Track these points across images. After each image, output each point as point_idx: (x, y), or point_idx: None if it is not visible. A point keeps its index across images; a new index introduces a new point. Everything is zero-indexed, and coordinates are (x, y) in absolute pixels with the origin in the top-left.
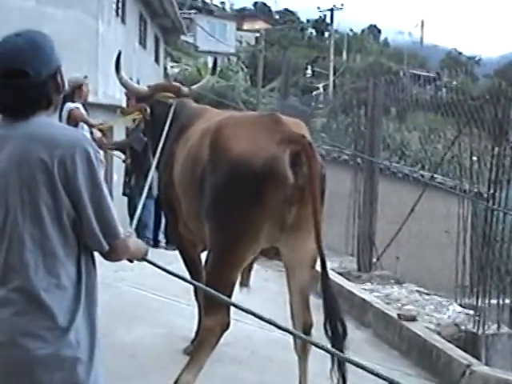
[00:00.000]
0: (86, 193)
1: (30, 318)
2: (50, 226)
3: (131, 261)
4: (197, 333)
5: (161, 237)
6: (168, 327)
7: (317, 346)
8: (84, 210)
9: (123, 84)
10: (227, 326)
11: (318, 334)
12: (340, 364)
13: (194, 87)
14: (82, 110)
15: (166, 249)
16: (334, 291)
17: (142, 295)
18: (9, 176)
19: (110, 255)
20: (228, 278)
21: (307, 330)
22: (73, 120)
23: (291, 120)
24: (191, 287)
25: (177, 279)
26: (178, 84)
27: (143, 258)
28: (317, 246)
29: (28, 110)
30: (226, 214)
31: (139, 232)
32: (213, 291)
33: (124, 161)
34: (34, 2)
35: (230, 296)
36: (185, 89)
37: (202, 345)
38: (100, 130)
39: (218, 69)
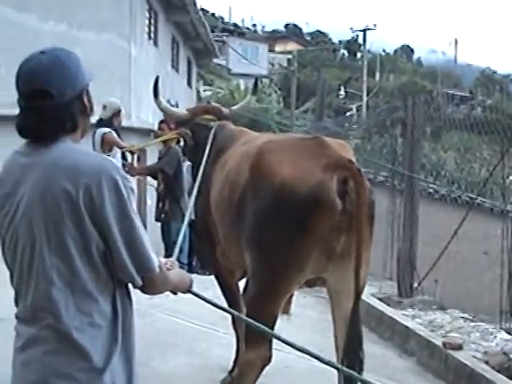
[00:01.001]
0: (115, 224)
1: (62, 358)
2: (78, 260)
3: (175, 293)
4: (235, 363)
5: (195, 262)
6: (204, 357)
7: (362, 380)
8: (114, 243)
9: (163, 109)
10: (269, 359)
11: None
12: None
13: (234, 108)
14: (114, 135)
15: (199, 273)
16: (360, 326)
17: (177, 323)
18: (33, 208)
19: (148, 289)
20: (270, 309)
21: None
22: (106, 144)
23: (336, 142)
24: (228, 315)
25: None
26: (218, 105)
27: (188, 290)
28: (355, 274)
29: (52, 134)
30: (269, 243)
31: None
32: (256, 323)
33: (157, 189)
34: (65, 25)
35: (272, 328)
36: (225, 110)
37: (242, 379)
38: (130, 152)
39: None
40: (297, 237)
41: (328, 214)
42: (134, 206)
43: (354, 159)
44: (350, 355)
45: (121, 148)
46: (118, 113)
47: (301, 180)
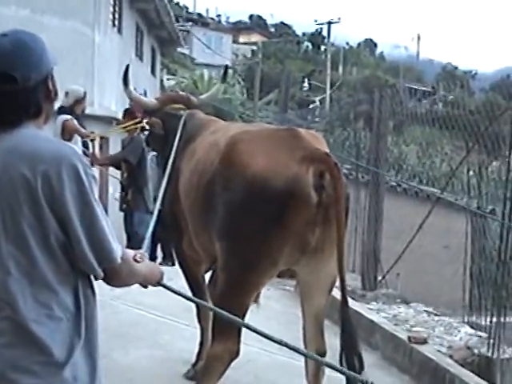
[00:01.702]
0: (75, 213)
1: (20, 351)
2: (37, 250)
3: (145, 286)
4: (198, 356)
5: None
6: (167, 349)
7: (333, 368)
8: (74, 233)
9: (132, 98)
10: (237, 353)
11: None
12: None
13: (202, 97)
14: (75, 122)
15: (161, 264)
16: (353, 321)
17: (140, 314)
18: None
19: (112, 281)
20: (241, 302)
21: (321, 356)
22: (67, 132)
23: (310, 134)
24: (191, 306)
25: (176, 298)
26: (187, 94)
27: (158, 283)
28: (339, 270)
29: (15, 120)
30: (241, 236)
31: (136, 247)
32: (229, 314)
33: (121, 182)
34: (28, 11)
35: (239, 326)
36: (194, 99)
37: (209, 373)
38: (91, 140)
39: (214, 82)
40: (270, 230)
41: (303, 208)
42: (95, 194)
43: (327, 150)
44: (349, 352)
45: (82, 136)
46: (80, 100)
47: (275, 172)
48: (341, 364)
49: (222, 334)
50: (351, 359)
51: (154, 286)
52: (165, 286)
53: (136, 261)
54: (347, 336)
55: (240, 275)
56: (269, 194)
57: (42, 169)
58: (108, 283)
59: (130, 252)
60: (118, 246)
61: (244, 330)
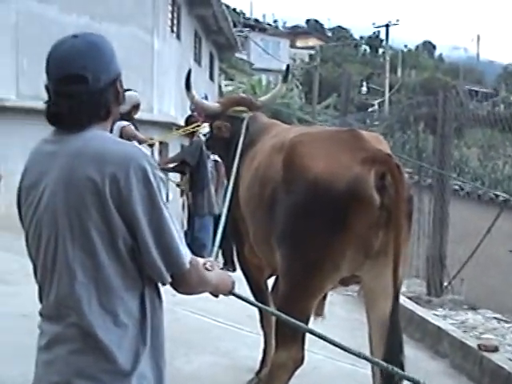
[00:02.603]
0: (143, 216)
1: (86, 358)
2: (104, 254)
3: (216, 295)
4: (261, 363)
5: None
6: (230, 357)
7: (406, 377)
8: (142, 237)
9: (195, 102)
10: (301, 361)
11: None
12: None
13: (262, 99)
14: (133, 128)
15: (222, 269)
16: (401, 329)
17: (202, 321)
18: (57, 198)
19: (181, 288)
20: (302, 309)
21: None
22: (125, 137)
23: (372, 135)
24: (254, 313)
25: (238, 304)
26: (249, 96)
27: (230, 292)
28: (393, 272)
29: (84, 121)
30: (303, 240)
31: (196, 253)
32: (292, 319)
33: (178, 185)
34: (88, 18)
35: (302, 332)
36: (256, 101)
37: (273, 381)
38: (149, 146)
39: (271, 86)
40: (332, 233)
41: (366, 210)
42: (163, 196)
43: (389, 151)
44: (391, 358)
45: (140, 142)
46: (136, 106)
47: (337, 174)
48: (380, 371)
49: (286, 341)
50: (392, 364)
51: (226, 295)
52: (237, 296)
53: (207, 269)
54: (391, 342)
55: (301, 281)
56: (331, 196)
57: (110, 171)
58: (176, 290)
59: (200, 260)
60: (186, 251)
61: (308, 336)
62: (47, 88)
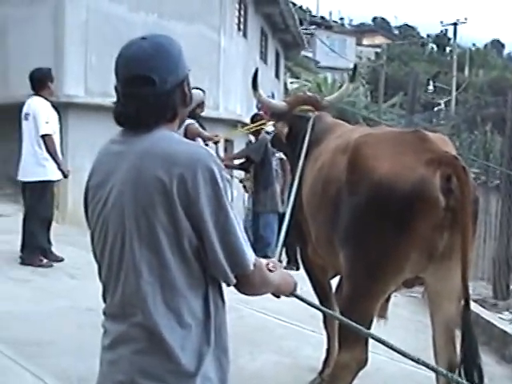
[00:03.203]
0: (210, 218)
1: (151, 358)
2: (169, 253)
3: (278, 296)
4: (324, 363)
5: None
6: (293, 356)
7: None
8: (208, 238)
9: (262, 101)
10: (365, 362)
11: None
12: None
13: (330, 98)
14: (197, 125)
15: (286, 268)
16: (475, 332)
17: (265, 319)
18: (124, 197)
19: (245, 288)
20: (366, 311)
21: (453, 369)
22: (190, 135)
23: (438, 136)
24: (317, 313)
25: (301, 303)
26: (315, 95)
27: (292, 294)
28: (462, 276)
29: (151, 123)
30: (366, 241)
31: (260, 251)
32: (353, 323)
33: (241, 181)
34: (156, 16)
35: (365, 333)
36: (323, 100)
37: (336, 382)
38: (214, 143)
39: (337, 84)
40: (397, 235)
41: (431, 212)
42: (229, 197)
43: (455, 153)
44: (469, 362)
45: (204, 139)
46: (201, 104)
47: (402, 175)
48: (459, 374)
49: (349, 342)
50: (470, 371)
51: (288, 296)
52: (299, 298)
53: (270, 270)
54: (467, 346)
55: (365, 282)
56: (395, 197)
57: (178, 172)
58: (239, 290)
59: (263, 261)
60: (251, 252)
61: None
62: (116, 89)
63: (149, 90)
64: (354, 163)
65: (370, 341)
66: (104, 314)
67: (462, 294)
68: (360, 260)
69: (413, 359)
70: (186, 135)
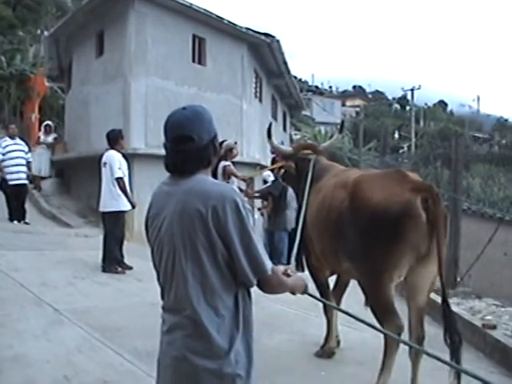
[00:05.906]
0: (236, 238)
1: (196, 340)
2: (208, 264)
3: (294, 293)
4: (325, 340)
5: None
6: (302, 335)
7: (427, 353)
8: (235, 252)
9: (274, 147)
10: (403, 328)
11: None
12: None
13: (324, 145)
14: (232, 167)
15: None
16: (455, 314)
17: (280, 308)
18: (174, 224)
19: (265, 288)
20: (384, 296)
21: (420, 341)
22: (227, 174)
23: (412, 173)
24: (318, 303)
25: (307, 297)
26: (314, 143)
27: (304, 292)
28: (439, 270)
29: (192, 169)
30: (372, 251)
31: (276, 259)
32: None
33: (259, 209)
34: (196, 88)
35: (392, 307)
36: (320, 147)
37: (390, 349)
38: (243, 180)
39: (329, 135)
40: (393, 244)
41: (416, 225)
42: (251, 222)
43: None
44: (453, 331)
45: (237, 177)
46: (229, 150)
47: (392, 200)
48: (445, 339)
49: (388, 316)
50: (453, 336)
51: (301, 294)
52: (310, 295)
53: (288, 275)
54: (449, 319)
55: (376, 281)
56: (390, 217)
57: (212, 204)
58: (262, 290)
59: (281, 268)
60: (268, 261)
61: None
62: (165, 146)
63: (190, 146)
64: (355, 195)
65: (353, 320)
66: (162, 308)
67: (440, 282)
68: (368, 266)
69: (379, 330)
70: (223, 174)
